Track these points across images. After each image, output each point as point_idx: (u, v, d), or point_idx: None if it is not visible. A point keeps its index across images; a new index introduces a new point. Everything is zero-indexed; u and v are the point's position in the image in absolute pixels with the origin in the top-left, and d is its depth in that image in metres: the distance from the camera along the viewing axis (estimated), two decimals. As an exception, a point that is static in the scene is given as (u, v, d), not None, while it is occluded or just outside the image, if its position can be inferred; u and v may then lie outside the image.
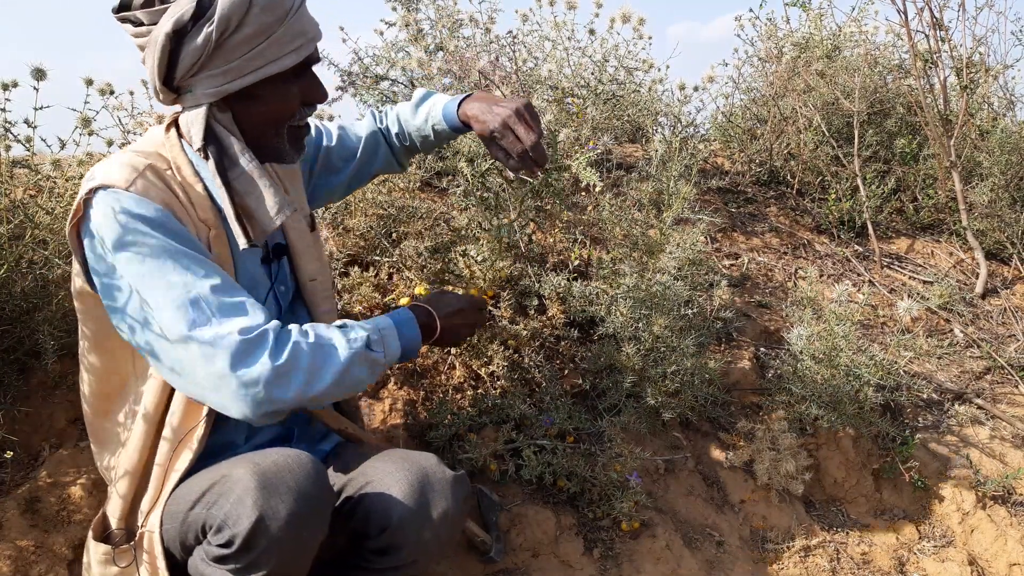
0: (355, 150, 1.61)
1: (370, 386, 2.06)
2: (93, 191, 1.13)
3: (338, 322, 1.23)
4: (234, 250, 1.26)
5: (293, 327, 1.16)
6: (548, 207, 2.36)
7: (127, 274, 1.10)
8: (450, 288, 2.01)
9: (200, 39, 1.10)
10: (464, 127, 1.49)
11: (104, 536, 1.28)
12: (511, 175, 1.53)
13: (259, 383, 1.07)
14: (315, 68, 1.27)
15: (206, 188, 1.22)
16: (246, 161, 1.19)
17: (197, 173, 1.22)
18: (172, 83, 1.16)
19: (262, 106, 1.19)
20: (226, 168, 1.18)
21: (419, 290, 2.15)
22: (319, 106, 1.31)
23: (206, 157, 1.17)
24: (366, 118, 1.66)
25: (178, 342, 1.09)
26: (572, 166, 1.73)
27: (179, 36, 1.11)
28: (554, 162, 1.87)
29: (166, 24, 1.10)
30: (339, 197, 1.71)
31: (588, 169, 1.67)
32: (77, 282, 1.23)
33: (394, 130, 1.63)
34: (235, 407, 1.09)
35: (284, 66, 1.16)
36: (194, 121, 1.17)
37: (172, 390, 1.23)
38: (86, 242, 1.14)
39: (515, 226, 2.07)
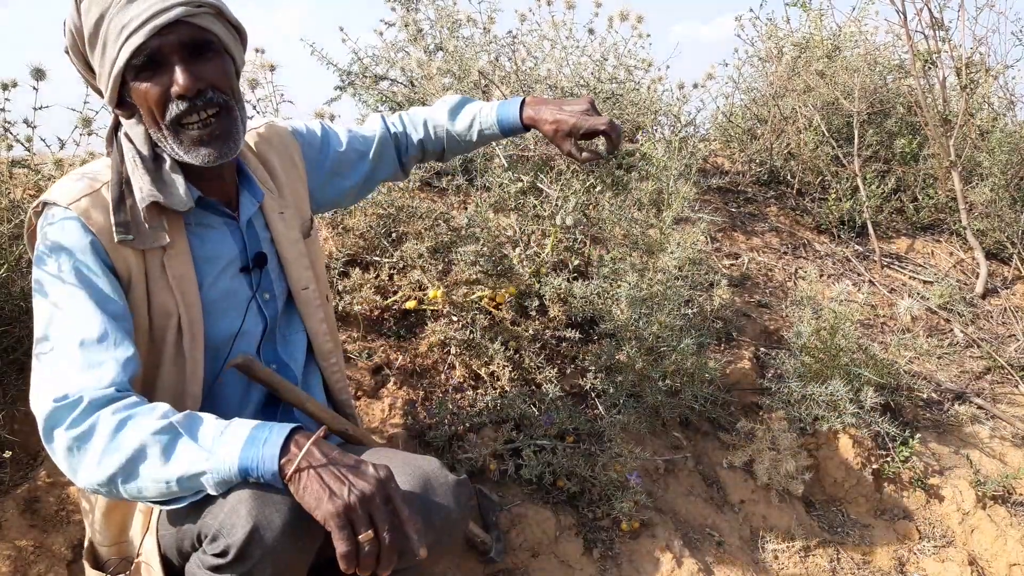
0: (365, 152, 1.60)
1: (370, 385, 2.06)
2: (42, 204, 1.15)
3: (187, 411, 1.07)
4: (198, 264, 1.24)
5: (124, 400, 1.04)
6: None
7: (33, 290, 1.12)
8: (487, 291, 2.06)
9: (71, 53, 1.17)
10: (524, 130, 1.59)
11: (98, 564, 1.27)
12: (581, 165, 1.64)
13: (58, 454, 1.04)
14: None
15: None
16: (129, 160, 1.19)
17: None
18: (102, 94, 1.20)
19: (137, 109, 1.17)
20: (122, 171, 1.18)
21: (433, 294, 2.14)
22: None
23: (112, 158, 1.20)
24: (374, 121, 1.64)
25: (33, 388, 1.07)
26: (640, 148, 1.80)
27: (68, 54, 1.18)
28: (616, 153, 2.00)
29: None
30: (349, 203, 1.70)
31: (655, 146, 1.74)
32: None
33: (416, 136, 1.63)
34: (66, 472, 1.06)
35: (120, 64, 1.09)
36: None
37: (153, 386, 1.23)
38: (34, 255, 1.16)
39: (574, 211, 2.17)
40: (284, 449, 1.00)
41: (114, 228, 1.13)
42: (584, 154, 1.54)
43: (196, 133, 1.14)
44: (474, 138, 1.61)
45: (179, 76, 1.09)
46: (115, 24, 1.08)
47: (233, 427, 1.02)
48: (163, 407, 1.05)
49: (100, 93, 1.19)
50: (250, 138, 1.42)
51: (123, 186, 1.16)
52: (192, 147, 1.15)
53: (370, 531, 0.98)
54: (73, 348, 1.07)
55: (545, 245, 2.26)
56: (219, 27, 1.15)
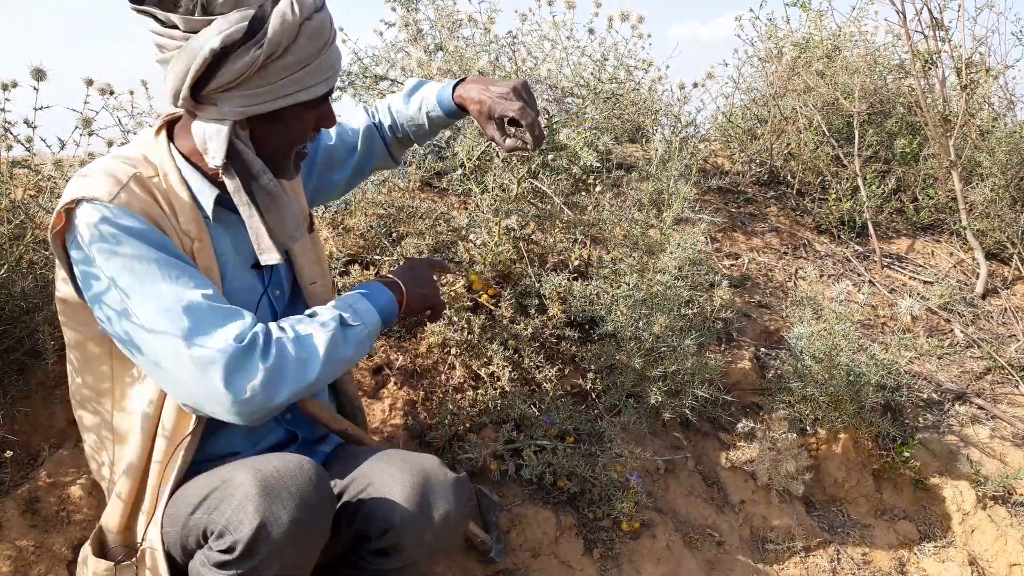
0: (354, 144, 1.61)
1: (370, 386, 2.06)
2: (76, 202, 1.12)
3: (308, 311, 1.25)
4: (220, 259, 1.26)
5: (272, 325, 1.18)
6: (548, 206, 2.37)
7: (118, 285, 1.10)
8: (450, 277, 2.02)
9: (246, 59, 1.09)
10: (460, 111, 1.50)
11: (103, 552, 1.28)
12: (505, 154, 1.52)
13: (256, 388, 1.08)
14: None
15: (193, 196, 1.22)
16: (267, 179, 1.21)
17: (184, 181, 1.22)
18: (199, 94, 1.14)
19: (282, 129, 1.20)
20: (250, 185, 1.20)
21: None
22: None
23: (228, 174, 1.18)
24: (358, 112, 1.65)
25: (171, 355, 1.09)
26: (569, 145, 1.74)
27: (225, 53, 1.09)
28: (551, 142, 1.87)
29: (213, 40, 1.07)
30: (338, 195, 1.71)
31: (585, 149, 1.67)
32: (62, 288, 1.22)
33: (387, 122, 1.62)
34: (231, 416, 1.10)
35: (315, 94, 1.17)
36: (213, 136, 1.16)
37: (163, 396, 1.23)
38: (73, 253, 1.14)
39: (515, 209, 2.09)
40: (391, 295, 1.32)
41: (212, 208, 1.23)
42: (508, 141, 1.42)
43: (304, 155, 1.30)
44: (424, 121, 1.57)
45: (334, 114, 1.28)
46: (325, 61, 1.18)
47: (354, 298, 1.28)
48: (298, 318, 1.22)
49: (196, 94, 1.14)
50: None
51: (254, 196, 1.22)
52: (297, 167, 1.30)
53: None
54: (204, 304, 1.12)
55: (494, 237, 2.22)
56: None
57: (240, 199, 1.20)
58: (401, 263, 1.45)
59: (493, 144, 1.52)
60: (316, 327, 1.18)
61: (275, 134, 1.20)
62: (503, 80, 1.46)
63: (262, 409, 1.11)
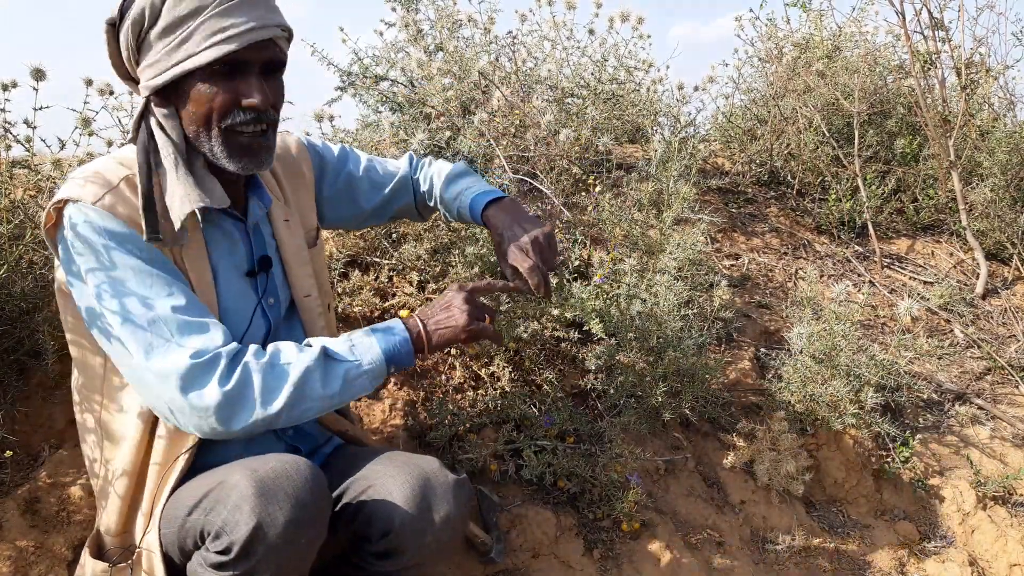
0: (383, 185, 1.61)
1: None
2: (64, 202, 1.14)
3: (306, 340, 1.22)
4: (214, 263, 1.26)
5: (251, 347, 1.15)
6: (547, 207, 2.37)
7: (92, 286, 1.12)
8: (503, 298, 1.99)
9: (124, 31, 1.16)
10: (486, 224, 1.52)
11: (100, 553, 1.28)
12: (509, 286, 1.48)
13: (209, 409, 1.08)
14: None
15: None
16: (167, 156, 1.18)
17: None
18: (128, 75, 1.21)
19: (190, 104, 1.17)
20: (151, 162, 1.18)
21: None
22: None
23: (136, 146, 1.19)
24: (402, 159, 1.67)
25: (135, 363, 1.10)
26: (583, 318, 1.81)
27: (114, 29, 1.17)
28: (559, 297, 1.98)
29: (107, 17, 1.16)
30: (354, 227, 1.72)
31: (593, 316, 1.89)
32: (59, 275, 1.24)
33: (423, 188, 1.65)
34: (192, 429, 1.11)
35: (201, 61, 1.12)
36: (136, 113, 1.21)
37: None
38: (60, 249, 1.17)
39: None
40: (405, 331, 1.23)
41: (145, 227, 1.14)
42: (513, 283, 1.42)
43: (246, 141, 1.19)
44: (454, 213, 1.58)
45: (256, 91, 1.16)
46: (209, 25, 1.11)
47: (357, 337, 1.21)
48: (288, 344, 1.17)
49: (128, 75, 1.22)
50: None
51: (150, 182, 1.16)
52: (235, 153, 1.19)
53: (483, 319, 1.28)
54: (172, 315, 1.11)
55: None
56: (287, 52, 1.24)
57: (141, 172, 1.18)
58: (444, 291, 1.36)
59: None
60: (295, 357, 1.15)
61: (186, 110, 1.18)
62: (532, 220, 1.45)
63: (221, 433, 1.11)
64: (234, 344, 1.14)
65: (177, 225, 1.16)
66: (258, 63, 1.17)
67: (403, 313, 2.17)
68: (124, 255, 1.12)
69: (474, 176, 1.61)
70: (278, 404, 1.11)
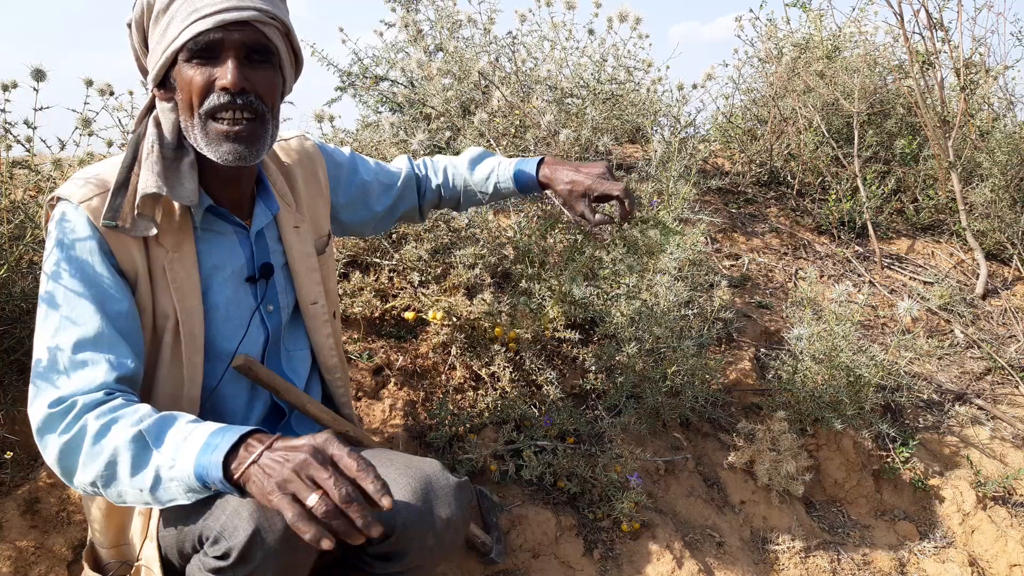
0: (392, 183, 1.63)
1: (370, 386, 2.06)
2: (56, 199, 1.16)
3: (165, 412, 1.07)
4: (207, 270, 1.25)
5: (104, 406, 1.05)
6: (547, 207, 2.37)
7: (42, 288, 1.13)
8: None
9: (134, 28, 1.19)
10: (540, 188, 1.59)
11: (99, 566, 1.27)
12: (587, 228, 1.61)
13: (52, 459, 1.06)
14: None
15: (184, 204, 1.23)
16: (147, 146, 1.18)
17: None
18: (147, 74, 1.22)
19: (179, 92, 1.17)
20: (138, 154, 1.19)
21: (433, 315, 2.14)
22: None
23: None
24: (400, 160, 1.68)
25: (31, 388, 1.10)
26: (653, 221, 1.86)
27: (131, 29, 1.21)
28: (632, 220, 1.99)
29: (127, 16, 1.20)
30: (370, 232, 1.70)
31: (667, 222, 1.84)
32: None
33: (436, 181, 1.66)
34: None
35: (177, 44, 1.12)
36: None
37: (151, 386, 1.23)
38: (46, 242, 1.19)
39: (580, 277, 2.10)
40: (233, 453, 0.96)
41: (103, 210, 1.13)
42: (596, 216, 1.53)
43: (224, 128, 1.15)
44: (489, 190, 1.63)
45: (229, 72, 1.12)
46: (187, 6, 1.12)
47: (195, 433, 0.99)
48: (143, 410, 1.04)
49: (145, 72, 1.24)
50: (277, 149, 1.43)
51: (130, 171, 1.17)
52: (216, 140, 1.15)
53: (316, 493, 0.91)
54: (68, 349, 1.09)
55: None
56: (281, 44, 1.19)
57: (125, 161, 1.19)
58: (313, 435, 0.98)
59: (577, 219, 1.56)
60: (124, 429, 1.01)
61: (179, 100, 1.18)
62: (588, 163, 1.55)
63: (73, 484, 1.07)
64: (90, 395, 1.06)
65: (134, 211, 1.14)
66: (235, 45, 1.13)
67: (408, 316, 2.18)
68: (72, 266, 1.12)
69: (495, 154, 1.66)
70: (90, 476, 1.03)
